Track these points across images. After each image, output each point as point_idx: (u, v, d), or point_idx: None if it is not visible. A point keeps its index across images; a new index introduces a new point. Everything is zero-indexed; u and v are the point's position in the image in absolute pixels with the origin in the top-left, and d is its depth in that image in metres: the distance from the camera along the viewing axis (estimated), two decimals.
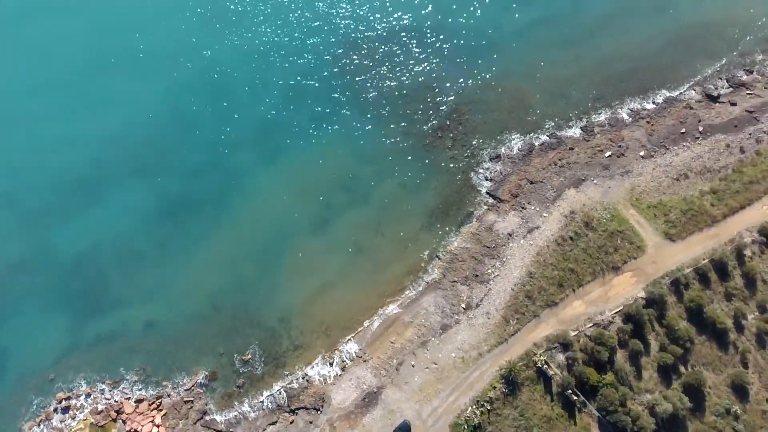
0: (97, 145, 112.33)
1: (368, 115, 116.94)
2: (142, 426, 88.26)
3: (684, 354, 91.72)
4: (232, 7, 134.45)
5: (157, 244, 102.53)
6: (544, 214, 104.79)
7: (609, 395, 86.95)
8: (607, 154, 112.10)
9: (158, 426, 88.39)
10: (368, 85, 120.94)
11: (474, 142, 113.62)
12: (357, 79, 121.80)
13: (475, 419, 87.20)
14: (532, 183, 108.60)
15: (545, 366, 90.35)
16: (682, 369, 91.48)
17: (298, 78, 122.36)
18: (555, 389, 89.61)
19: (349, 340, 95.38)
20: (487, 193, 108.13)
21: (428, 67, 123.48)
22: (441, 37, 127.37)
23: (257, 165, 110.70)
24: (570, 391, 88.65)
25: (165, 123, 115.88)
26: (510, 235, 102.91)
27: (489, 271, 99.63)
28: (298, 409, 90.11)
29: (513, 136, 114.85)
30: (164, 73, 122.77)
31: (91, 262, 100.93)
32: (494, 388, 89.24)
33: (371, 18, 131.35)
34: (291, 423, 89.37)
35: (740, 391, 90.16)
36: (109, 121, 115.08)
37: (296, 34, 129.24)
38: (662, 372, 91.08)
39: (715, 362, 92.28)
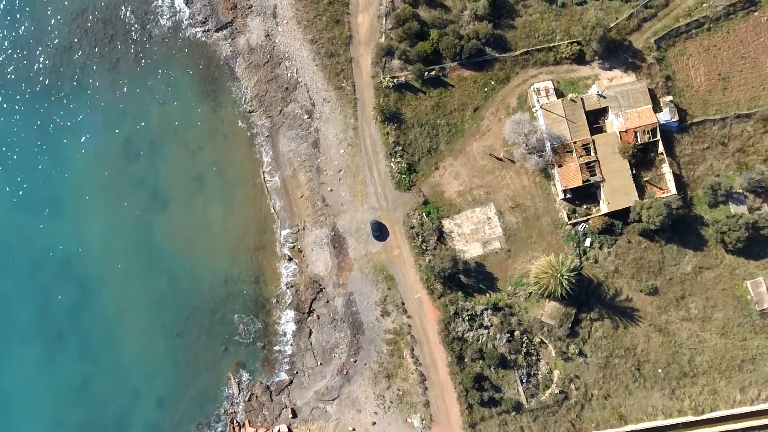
0: None
1: (80, 100, 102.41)
2: None
3: None
4: None
5: (85, 362, 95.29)
6: None
7: (446, 42, 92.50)
8: None
9: None
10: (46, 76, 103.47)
11: (150, 16, 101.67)
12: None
13: (402, 164, 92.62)
14: None
15: (395, 80, 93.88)
16: None
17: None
18: (418, 84, 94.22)
19: (277, 231, 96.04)
20: (215, 30, 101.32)
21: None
22: None
23: (75, 232, 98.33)
24: (426, 72, 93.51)
25: None
26: (268, 35, 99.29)
27: (289, 74, 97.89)
28: (310, 307, 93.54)
29: None
30: None
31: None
32: (387, 134, 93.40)
33: None
34: (318, 318, 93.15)
35: None
36: None
37: None
38: None
39: None
